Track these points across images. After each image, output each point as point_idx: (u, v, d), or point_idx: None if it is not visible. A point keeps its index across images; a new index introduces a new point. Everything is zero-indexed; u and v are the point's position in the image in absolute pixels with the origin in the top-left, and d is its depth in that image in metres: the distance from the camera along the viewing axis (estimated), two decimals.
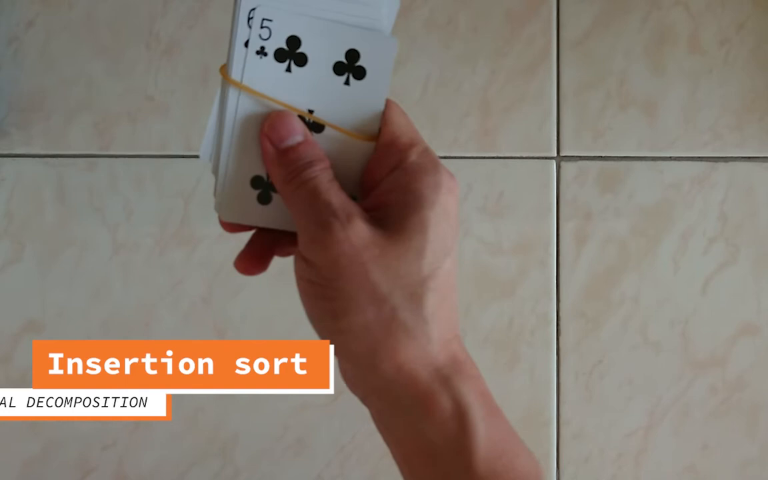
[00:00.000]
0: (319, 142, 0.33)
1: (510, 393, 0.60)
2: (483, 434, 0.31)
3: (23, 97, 0.61)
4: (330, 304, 0.32)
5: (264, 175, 0.34)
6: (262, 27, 0.32)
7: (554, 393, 0.60)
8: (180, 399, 0.61)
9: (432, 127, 0.61)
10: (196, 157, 0.61)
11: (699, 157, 0.61)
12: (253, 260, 0.35)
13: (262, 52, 0.33)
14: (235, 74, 0.33)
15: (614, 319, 0.61)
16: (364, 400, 0.34)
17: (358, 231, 0.31)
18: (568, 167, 0.61)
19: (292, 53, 0.33)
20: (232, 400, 0.60)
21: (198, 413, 0.60)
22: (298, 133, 0.33)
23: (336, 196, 0.32)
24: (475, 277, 0.60)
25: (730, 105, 0.61)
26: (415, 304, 0.31)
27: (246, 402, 0.60)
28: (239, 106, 0.33)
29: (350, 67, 0.33)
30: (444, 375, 0.32)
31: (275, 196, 0.34)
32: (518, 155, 0.61)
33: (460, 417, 0.31)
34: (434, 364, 0.32)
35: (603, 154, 0.61)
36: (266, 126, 0.33)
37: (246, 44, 0.32)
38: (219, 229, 0.62)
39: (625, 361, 0.60)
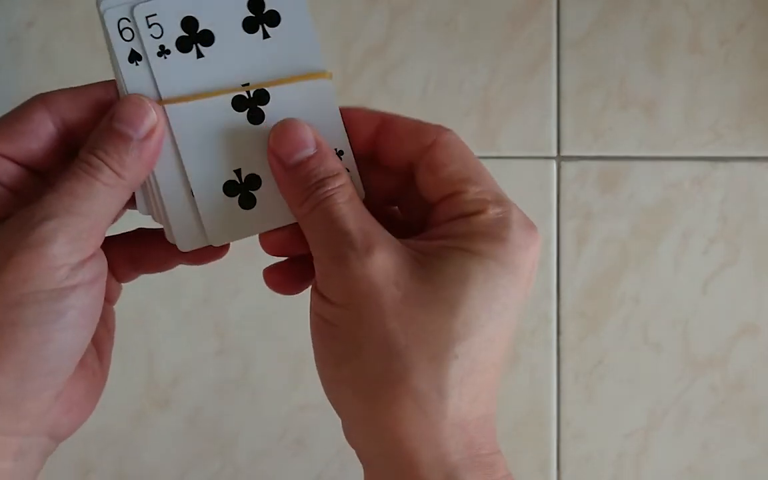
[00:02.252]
0: (272, 113, 0.29)
1: (510, 393, 0.60)
2: None
3: (23, 97, 0.61)
4: (335, 346, 0.27)
5: (235, 178, 0.29)
6: (150, 26, 0.28)
7: (554, 393, 0.60)
8: (180, 398, 0.61)
9: None
10: None
11: (699, 157, 0.61)
12: (289, 277, 0.30)
13: (163, 51, 0.28)
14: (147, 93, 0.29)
15: (614, 319, 0.61)
16: (360, 460, 0.29)
17: (380, 264, 0.26)
18: (568, 167, 0.61)
19: (194, 36, 0.28)
20: (232, 400, 0.60)
21: (198, 413, 0.60)
22: (308, 144, 0.28)
23: (354, 221, 0.27)
24: None
25: (730, 105, 0.61)
26: (435, 368, 0.25)
27: (246, 402, 0.60)
28: (171, 121, 0.29)
29: (260, 17, 0.28)
30: (449, 469, 0.25)
31: (258, 194, 0.30)
32: (518, 155, 0.61)
33: None
34: (441, 449, 0.25)
35: (603, 154, 0.61)
36: (271, 140, 0.28)
37: (133, 58, 0.28)
38: None
39: (625, 361, 0.60)
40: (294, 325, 0.61)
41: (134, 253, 0.32)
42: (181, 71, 0.29)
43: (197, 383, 0.61)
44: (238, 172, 0.29)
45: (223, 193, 0.29)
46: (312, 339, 0.29)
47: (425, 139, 0.28)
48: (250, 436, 0.60)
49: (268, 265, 0.31)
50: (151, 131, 0.28)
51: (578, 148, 0.61)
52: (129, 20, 0.29)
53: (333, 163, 0.28)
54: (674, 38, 0.61)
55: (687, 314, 0.61)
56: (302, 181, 0.28)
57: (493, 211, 0.28)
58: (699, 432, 0.60)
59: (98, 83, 0.29)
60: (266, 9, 0.28)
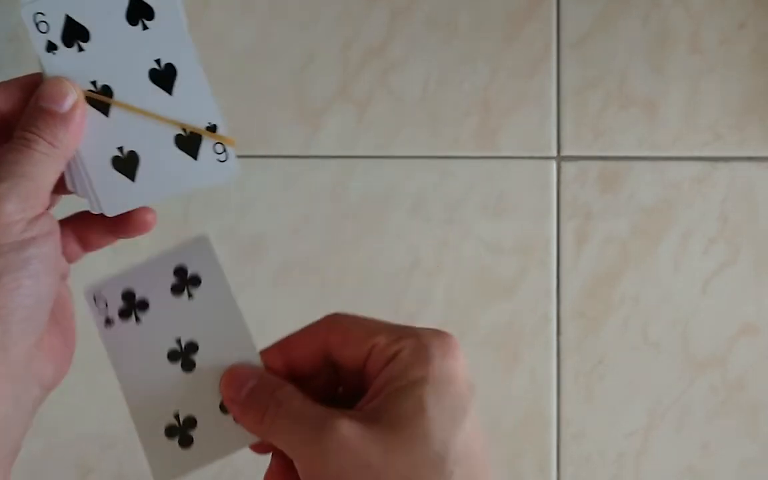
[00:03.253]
0: (201, 360, 0.34)
1: (510, 393, 0.60)
2: None
3: None
4: None
5: (174, 421, 0.33)
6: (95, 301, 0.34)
7: (554, 393, 0.60)
8: None
9: (432, 127, 0.61)
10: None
11: (699, 157, 0.61)
12: None
13: (108, 323, 0.34)
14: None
15: (614, 319, 0.61)
16: None
17: (354, 432, 0.28)
18: (568, 167, 0.61)
19: (132, 305, 0.34)
20: None
21: None
22: (251, 376, 0.33)
23: (314, 408, 0.30)
24: (475, 277, 0.60)
25: (730, 105, 0.61)
26: None
27: None
28: (118, 374, 0.34)
29: (186, 281, 0.34)
30: None
31: (195, 433, 0.33)
32: (518, 155, 0.61)
33: None
34: None
35: (603, 154, 0.61)
36: (222, 389, 0.33)
37: (50, 48, 0.32)
38: (218, 229, 0.62)
39: (625, 361, 0.60)
40: (294, 326, 0.61)
41: (78, 232, 0.35)
42: (126, 345, 0.34)
43: None
44: (176, 415, 0.33)
45: (164, 436, 0.33)
46: None
47: (320, 333, 0.33)
48: None
49: None
50: (74, 106, 0.32)
51: (578, 148, 0.61)
52: (43, 14, 0.32)
53: (275, 380, 0.32)
54: (674, 38, 0.61)
55: (687, 314, 0.61)
56: (256, 403, 0.32)
57: (408, 343, 0.30)
58: (699, 432, 0.60)
59: (25, 75, 0.33)
60: (189, 275, 0.34)
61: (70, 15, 0.32)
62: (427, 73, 0.61)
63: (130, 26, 0.32)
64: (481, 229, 0.61)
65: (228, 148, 0.34)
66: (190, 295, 0.34)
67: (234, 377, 0.33)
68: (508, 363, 0.60)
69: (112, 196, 0.34)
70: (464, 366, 0.30)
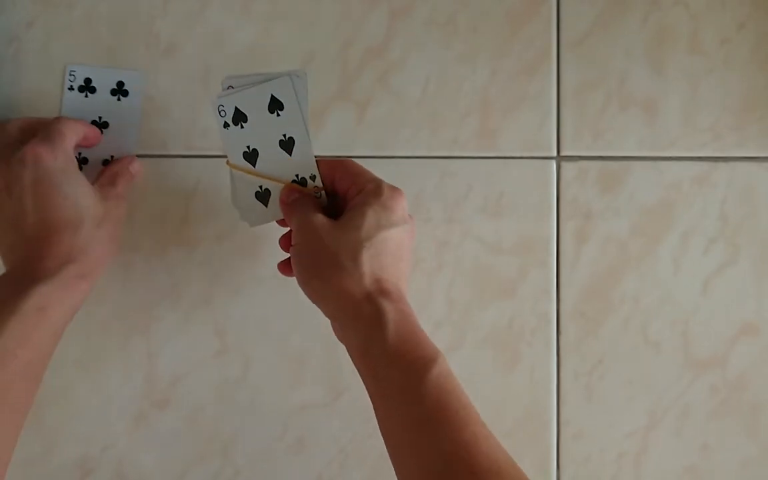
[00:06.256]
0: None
1: (510, 393, 0.60)
2: (393, 327, 0.46)
3: (24, 96, 0.61)
4: (306, 261, 0.50)
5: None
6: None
7: (554, 393, 0.61)
8: (180, 399, 0.61)
9: (432, 127, 0.61)
10: (196, 157, 0.61)
11: (699, 157, 0.61)
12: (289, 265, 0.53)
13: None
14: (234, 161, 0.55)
15: (614, 319, 0.61)
16: (332, 322, 0.52)
17: (321, 220, 0.50)
18: (568, 167, 0.61)
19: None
20: (232, 400, 0.60)
21: (198, 413, 0.60)
22: (296, 192, 0.54)
23: (313, 208, 0.52)
24: (475, 277, 0.60)
25: (730, 105, 0.61)
26: (353, 256, 0.48)
27: (246, 402, 0.60)
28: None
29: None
30: (370, 296, 0.48)
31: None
32: (518, 155, 0.61)
33: (378, 318, 0.47)
34: (365, 290, 0.48)
35: (603, 154, 0.61)
36: (284, 191, 0.54)
37: (226, 126, 0.54)
38: (219, 229, 0.62)
39: (625, 361, 0.61)
40: (294, 326, 0.61)
41: None
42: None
43: (197, 383, 0.61)
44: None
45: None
46: (295, 272, 0.51)
47: (336, 165, 0.53)
48: (250, 436, 0.60)
49: (279, 262, 0.56)
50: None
51: (578, 148, 0.61)
52: (223, 106, 0.53)
53: (306, 197, 0.54)
54: (674, 38, 0.61)
55: (687, 314, 0.61)
56: (293, 203, 0.53)
57: (372, 183, 0.51)
58: (699, 432, 0.61)
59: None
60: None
61: (238, 107, 0.53)
62: (427, 73, 0.61)
63: (270, 114, 0.53)
64: (481, 229, 0.61)
65: (322, 193, 0.54)
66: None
67: (291, 189, 0.54)
68: (508, 363, 0.60)
69: (253, 214, 0.55)
70: (403, 207, 0.50)
